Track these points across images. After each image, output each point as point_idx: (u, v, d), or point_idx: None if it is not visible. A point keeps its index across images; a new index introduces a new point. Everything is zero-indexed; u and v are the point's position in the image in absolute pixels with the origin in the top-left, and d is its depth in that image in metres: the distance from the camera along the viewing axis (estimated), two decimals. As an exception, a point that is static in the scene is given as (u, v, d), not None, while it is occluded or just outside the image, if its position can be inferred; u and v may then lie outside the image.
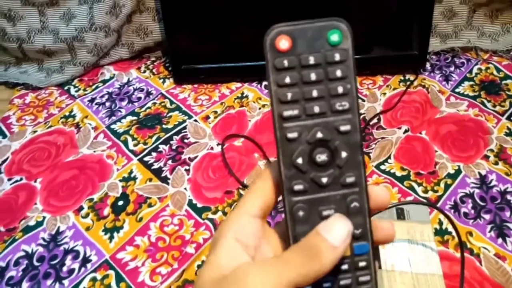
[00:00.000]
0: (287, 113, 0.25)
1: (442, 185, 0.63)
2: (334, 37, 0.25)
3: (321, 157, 0.25)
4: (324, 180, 0.25)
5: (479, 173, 0.65)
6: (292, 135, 0.25)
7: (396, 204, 0.53)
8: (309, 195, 0.25)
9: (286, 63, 0.25)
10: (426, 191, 0.62)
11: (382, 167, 0.66)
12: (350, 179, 0.25)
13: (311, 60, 0.25)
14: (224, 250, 0.25)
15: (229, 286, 0.23)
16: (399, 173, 0.65)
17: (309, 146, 0.25)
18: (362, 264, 0.26)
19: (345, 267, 0.26)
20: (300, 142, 0.25)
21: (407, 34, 0.80)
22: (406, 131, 0.71)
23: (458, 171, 0.65)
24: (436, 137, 0.70)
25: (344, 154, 0.25)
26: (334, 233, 0.24)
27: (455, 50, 0.87)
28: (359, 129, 0.25)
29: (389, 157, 0.67)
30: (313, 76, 0.25)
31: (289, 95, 0.25)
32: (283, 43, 0.25)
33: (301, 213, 0.25)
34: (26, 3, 0.77)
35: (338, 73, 0.25)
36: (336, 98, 0.25)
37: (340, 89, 0.25)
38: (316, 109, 0.25)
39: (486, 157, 0.67)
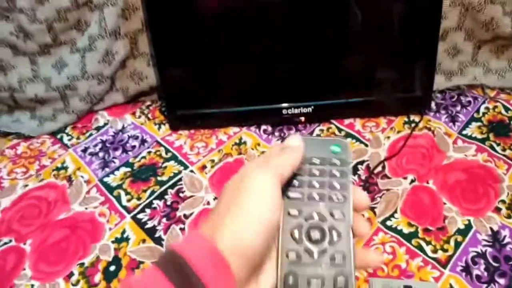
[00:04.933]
0: (292, 194, 0.30)
1: (452, 243, 0.60)
2: (336, 148, 0.32)
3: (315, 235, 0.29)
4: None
5: (491, 229, 0.61)
6: (293, 211, 0.30)
7: (404, 284, 0.49)
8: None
9: None
10: (435, 251, 0.59)
11: (388, 223, 0.62)
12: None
13: (317, 161, 0.31)
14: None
15: (240, 181, 0.28)
16: (406, 230, 0.61)
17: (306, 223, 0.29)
18: None
19: None
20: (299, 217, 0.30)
21: (411, 75, 0.78)
22: (412, 181, 0.68)
23: (468, 226, 0.61)
24: (444, 187, 0.67)
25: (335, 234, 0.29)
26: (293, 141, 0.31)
27: (460, 88, 0.84)
28: (350, 214, 0.29)
29: (395, 212, 0.64)
30: (316, 172, 0.31)
31: (296, 183, 0.30)
32: None
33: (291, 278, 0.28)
34: (17, 53, 0.75)
35: (336, 173, 0.31)
36: (333, 189, 0.30)
37: (337, 184, 0.30)
38: (316, 196, 0.30)
39: (497, 210, 0.63)
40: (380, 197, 0.66)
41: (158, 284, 0.23)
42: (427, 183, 0.68)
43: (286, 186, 0.30)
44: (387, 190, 0.67)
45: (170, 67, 0.76)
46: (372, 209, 0.64)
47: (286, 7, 0.72)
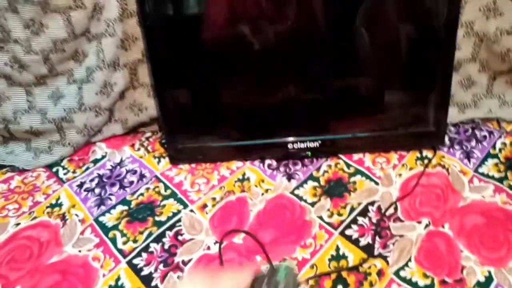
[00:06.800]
0: None
1: (472, 297, 0.55)
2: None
3: None
4: None
5: (514, 282, 0.56)
6: None
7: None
8: None
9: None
10: (454, 307, 0.54)
11: (402, 273, 0.58)
12: None
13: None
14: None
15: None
16: (421, 282, 0.57)
17: None
18: None
19: None
20: None
21: (423, 108, 0.74)
22: (427, 225, 0.64)
23: (489, 279, 0.57)
24: (461, 232, 0.62)
25: None
26: None
27: (475, 122, 0.80)
28: None
29: (409, 260, 0.59)
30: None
31: None
32: None
33: None
34: (12, 84, 0.72)
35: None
36: None
37: None
38: None
39: (520, 259, 0.59)
40: (393, 244, 0.61)
41: None
42: (443, 227, 0.63)
43: None
44: (401, 236, 0.62)
45: (170, 98, 0.72)
46: (385, 258, 0.60)
47: (291, 35, 0.69)
